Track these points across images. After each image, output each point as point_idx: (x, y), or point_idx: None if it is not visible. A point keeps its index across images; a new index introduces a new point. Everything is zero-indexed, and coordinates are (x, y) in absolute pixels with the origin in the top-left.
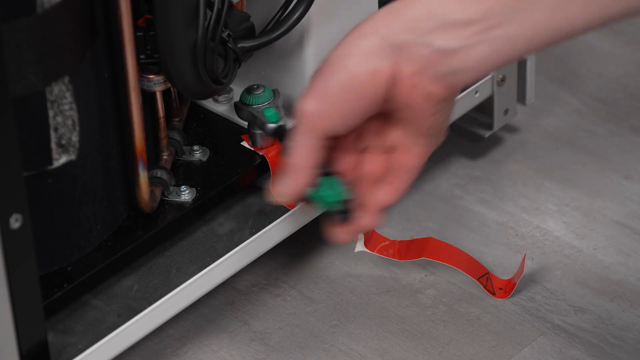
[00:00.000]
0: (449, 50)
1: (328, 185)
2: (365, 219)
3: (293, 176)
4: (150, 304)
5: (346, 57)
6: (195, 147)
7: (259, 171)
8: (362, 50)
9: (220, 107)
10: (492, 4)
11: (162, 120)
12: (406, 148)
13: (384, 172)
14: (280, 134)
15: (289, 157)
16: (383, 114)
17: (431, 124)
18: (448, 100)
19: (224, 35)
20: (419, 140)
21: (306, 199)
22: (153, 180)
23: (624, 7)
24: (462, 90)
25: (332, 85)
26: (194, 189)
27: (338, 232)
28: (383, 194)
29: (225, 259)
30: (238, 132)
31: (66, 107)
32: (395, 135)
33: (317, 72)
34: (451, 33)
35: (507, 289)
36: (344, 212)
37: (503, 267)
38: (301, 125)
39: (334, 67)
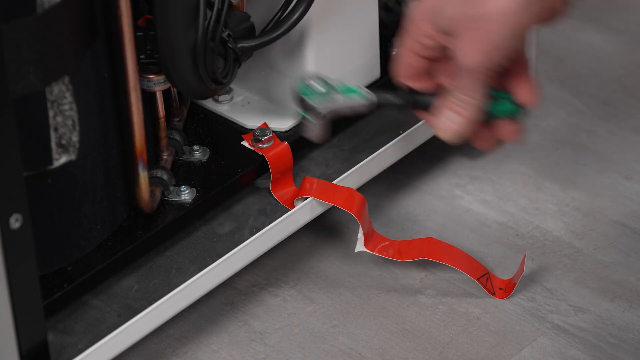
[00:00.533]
0: None
1: (501, 98)
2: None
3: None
4: (150, 304)
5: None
6: (195, 147)
7: (259, 171)
8: None
9: (220, 107)
10: None
11: (162, 120)
12: None
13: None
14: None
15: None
16: None
17: None
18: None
19: (224, 35)
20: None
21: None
22: (153, 180)
23: None
24: None
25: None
26: (194, 189)
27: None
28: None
29: (225, 259)
30: (238, 132)
31: (66, 107)
32: None
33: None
34: None
35: (507, 289)
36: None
37: (503, 267)
38: (414, 19)
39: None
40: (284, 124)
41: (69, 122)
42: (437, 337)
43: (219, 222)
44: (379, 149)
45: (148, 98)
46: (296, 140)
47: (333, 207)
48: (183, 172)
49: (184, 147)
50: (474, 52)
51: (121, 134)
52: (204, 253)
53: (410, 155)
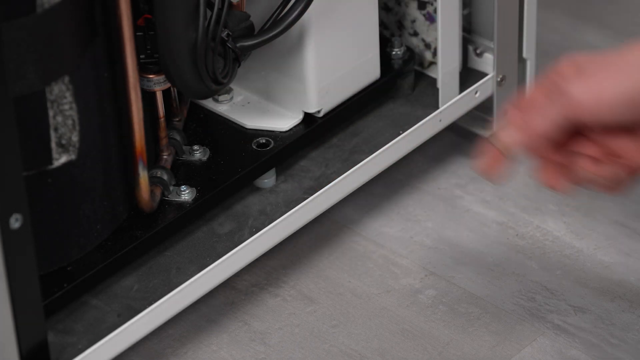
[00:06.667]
0: None
1: None
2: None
3: (524, 135)
4: (150, 304)
5: (634, 65)
6: (195, 147)
7: (259, 171)
8: None
9: (220, 107)
10: None
11: (162, 120)
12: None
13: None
14: None
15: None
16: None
17: None
18: None
19: (224, 35)
20: None
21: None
22: (153, 180)
23: None
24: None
25: (612, 91)
26: (194, 188)
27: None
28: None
29: (225, 259)
30: (238, 132)
31: (66, 106)
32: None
33: (596, 61)
34: None
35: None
36: None
37: (503, 267)
38: (564, 104)
39: (619, 69)
40: (284, 124)
41: (69, 121)
42: (437, 337)
43: (219, 222)
44: (379, 149)
45: (148, 98)
46: (296, 140)
47: (333, 207)
48: (183, 172)
49: (184, 147)
50: (585, 87)
51: (121, 134)
52: (204, 253)
53: (410, 155)
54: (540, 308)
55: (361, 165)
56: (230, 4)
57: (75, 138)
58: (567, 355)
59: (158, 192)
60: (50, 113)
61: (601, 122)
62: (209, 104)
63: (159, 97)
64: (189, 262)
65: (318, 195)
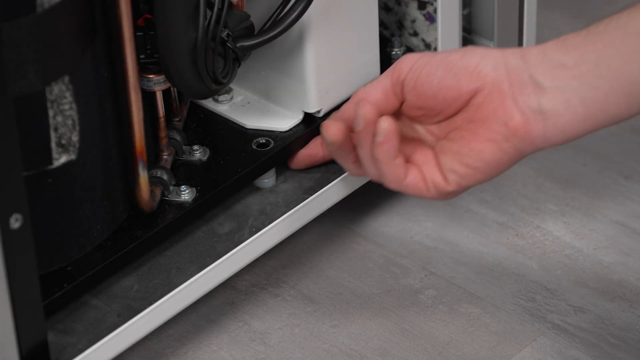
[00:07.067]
0: (542, 86)
1: None
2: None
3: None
4: (150, 304)
5: (464, 49)
6: (195, 147)
7: (259, 171)
8: (479, 50)
9: (220, 107)
10: (584, 52)
11: (162, 120)
12: (432, 164)
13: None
14: None
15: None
16: (452, 120)
17: (483, 153)
18: (518, 146)
19: (223, 35)
20: (455, 165)
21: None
22: (153, 180)
23: None
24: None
25: (439, 56)
26: (194, 188)
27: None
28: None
29: (225, 259)
30: (238, 132)
31: (66, 106)
32: (441, 146)
33: (434, 62)
34: (550, 72)
35: None
36: None
37: (503, 267)
38: (390, 70)
39: (450, 50)
40: (284, 124)
41: (69, 121)
42: (437, 337)
43: (219, 222)
44: None
45: (148, 98)
46: (296, 140)
47: (333, 207)
48: (183, 172)
49: (184, 147)
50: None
51: (121, 134)
52: (204, 253)
53: None
54: (540, 308)
55: None
56: (230, 4)
57: (75, 138)
58: (567, 355)
59: (158, 192)
60: (50, 113)
61: (416, 86)
62: (209, 104)
63: (159, 97)
64: (189, 262)
65: (318, 195)
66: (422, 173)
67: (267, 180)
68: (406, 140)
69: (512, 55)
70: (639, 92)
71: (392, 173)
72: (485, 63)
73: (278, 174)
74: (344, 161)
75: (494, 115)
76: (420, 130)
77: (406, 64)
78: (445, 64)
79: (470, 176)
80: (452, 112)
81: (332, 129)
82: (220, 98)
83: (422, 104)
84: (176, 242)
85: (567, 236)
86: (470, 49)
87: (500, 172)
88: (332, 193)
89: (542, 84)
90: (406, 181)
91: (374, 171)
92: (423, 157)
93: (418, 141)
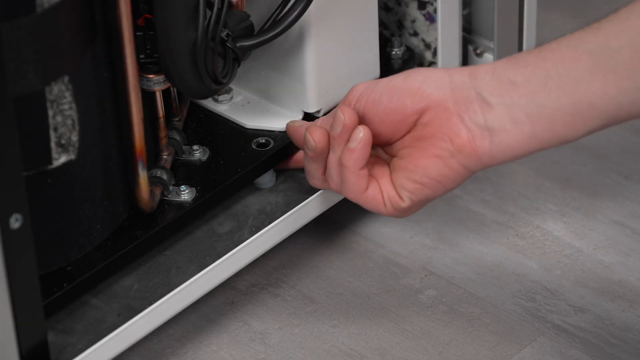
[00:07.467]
0: (489, 103)
1: None
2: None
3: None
4: (150, 304)
5: (408, 72)
6: (195, 147)
7: (259, 171)
8: (422, 71)
9: (220, 107)
10: (535, 69)
11: (161, 120)
12: (387, 179)
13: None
14: None
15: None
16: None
17: (429, 169)
18: (464, 163)
19: (223, 35)
20: (404, 181)
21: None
22: (153, 180)
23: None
24: None
25: (382, 83)
26: (193, 188)
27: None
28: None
29: (225, 259)
30: (238, 132)
31: (66, 106)
32: (394, 164)
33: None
34: (497, 89)
35: None
36: None
37: (503, 267)
38: (342, 100)
39: (394, 75)
40: (283, 124)
41: (69, 121)
42: (437, 337)
43: (218, 222)
44: None
45: (147, 98)
46: None
47: (333, 207)
48: (183, 172)
49: (184, 147)
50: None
51: (121, 134)
52: (204, 253)
53: None
54: (540, 308)
55: None
56: (230, 4)
57: (75, 138)
58: (567, 355)
59: (158, 192)
60: (50, 113)
61: (367, 108)
62: (208, 103)
63: (159, 97)
64: (189, 262)
65: (318, 195)
66: (380, 187)
67: (267, 180)
68: None
69: (458, 73)
70: (587, 112)
71: (355, 182)
72: (428, 84)
73: (278, 174)
74: (316, 170)
75: (440, 132)
76: (377, 148)
77: (353, 95)
78: (388, 89)
79: (419, 191)
80: (402, 134)
81: (317, 135)
82: (220, 98)
83: (373, 130)
84: (176, 242)
85: (567, 236)
86: (413, 71)
87: (448, 189)
88: (332, 193)
89: (489, 101)
90: (366, 193)
91: (337, 179)
92: (380, 172)
93: (376, 157)
